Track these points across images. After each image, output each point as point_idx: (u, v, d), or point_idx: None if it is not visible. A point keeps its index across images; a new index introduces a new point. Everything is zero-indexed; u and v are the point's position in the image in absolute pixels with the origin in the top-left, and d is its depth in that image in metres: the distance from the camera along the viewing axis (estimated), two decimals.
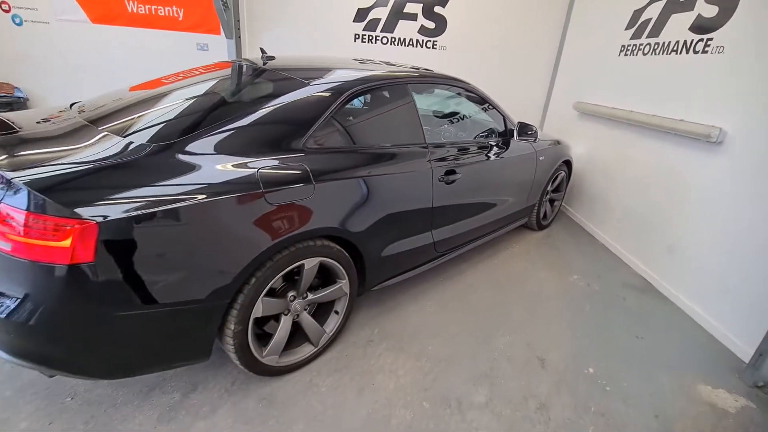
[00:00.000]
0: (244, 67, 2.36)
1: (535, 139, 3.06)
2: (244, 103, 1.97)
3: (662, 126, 3.04)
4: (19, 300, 1.24)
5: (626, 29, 3.72)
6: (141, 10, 4.91)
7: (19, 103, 4.94)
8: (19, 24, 4.87)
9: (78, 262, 1.20)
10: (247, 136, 1.65)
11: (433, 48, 5.11)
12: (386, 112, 2.23)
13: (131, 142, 1.50)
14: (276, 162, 1.64)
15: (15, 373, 1.76)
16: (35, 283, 1.23)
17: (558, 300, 2.78)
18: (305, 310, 1.89)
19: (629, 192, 3.54)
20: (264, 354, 1.75)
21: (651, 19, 3.40)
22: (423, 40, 5.08)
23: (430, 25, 5.00)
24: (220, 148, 1.56)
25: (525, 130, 3.00)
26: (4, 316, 1.23)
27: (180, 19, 5.00)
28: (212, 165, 1.50)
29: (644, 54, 3.45)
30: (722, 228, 2.58)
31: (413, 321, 2.39)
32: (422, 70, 2.66)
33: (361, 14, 4.94)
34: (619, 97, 3.70)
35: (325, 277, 1.96)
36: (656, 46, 3.30)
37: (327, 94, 1.89)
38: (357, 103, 2.07)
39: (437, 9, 4.93)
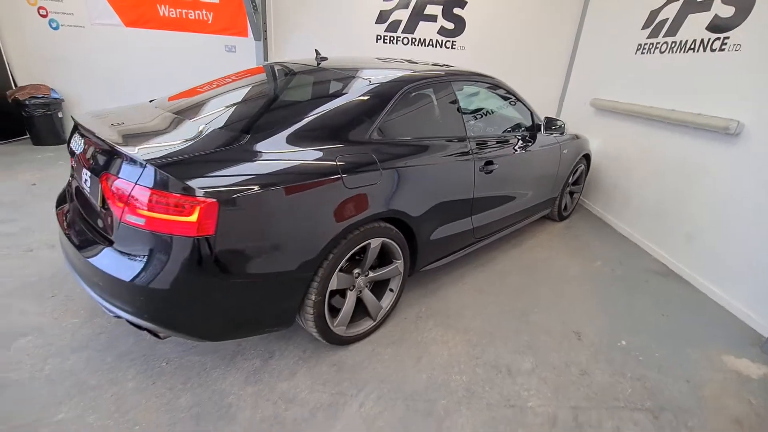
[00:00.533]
0: (301, 67, 2.55)
1: (562, 133, 3.24)
2: (319, 99, 2.17)
3: (682, 120, 3.23)
4: (150, 268, 1.43)
5: (643, 29, 3.91)
6: (172, 14, 5.12)
7: (55, 104, 5.15)
8: (56, 28, 5.09)
9: (201, 235, 1.40)
10: (326, 128, 1.85)
11: (452, 48, 5.31)
12: (435, 106, 2.43)
13: (233, 132, 1.71)
14: (350, 151, 1.83)
15: (112, 343, 1.96)
16: (165, 253, 1.42)
17: (585, 283, 2.97)
18: (366, 286, 2.09)
19: (647, 183, 3.73)
20: (335, 324, 1.94)
21: (668, 19, 3.59)
22: (443, 41, 5.28)
23: (450, 25, 5.20)
24: (305, 139, 1.76)
25: (552, 124, 3.20)
26: (137, 281, 1.43)
27: (209, 22, 5.21)
28: (301, 153, 1.70)
29: (661, 52, 3.65)
30: (738, 214, 2.77)
31: (455, 301, 2.59)
32: (444, 66, 2.83)
33: (383, 16, 5.14)
34: (637, 94, 3.89)
35: (382, 257, 2.16)
36: (673, 44, 3.49)
37: (386, 91, 2.08)
38: (410, 98, 2.27)
39: (456, 10, 5.13)
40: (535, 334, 2.35)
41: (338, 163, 1.75)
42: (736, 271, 2.78)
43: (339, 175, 1.73)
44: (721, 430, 1.82)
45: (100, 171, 1.56)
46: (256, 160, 1.60)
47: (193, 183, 1.39)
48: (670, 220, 3.39)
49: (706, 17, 3.16)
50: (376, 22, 5.20)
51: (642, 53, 3.91)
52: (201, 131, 1.73)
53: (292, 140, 1.74)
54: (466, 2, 5.09)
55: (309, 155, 1.72)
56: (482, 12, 5.14)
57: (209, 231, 1.40)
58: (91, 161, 1.67)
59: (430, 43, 5.30)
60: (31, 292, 2.28)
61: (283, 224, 1.59)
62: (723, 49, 2.99)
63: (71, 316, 2.12)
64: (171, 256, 1.42)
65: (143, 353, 1.92)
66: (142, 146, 1.57)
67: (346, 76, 2.28)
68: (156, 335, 1.61)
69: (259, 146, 1.65)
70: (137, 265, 1.44)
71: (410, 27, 5.22)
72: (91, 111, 2.05)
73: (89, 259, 1.56)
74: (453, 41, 5.29)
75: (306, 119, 1.84)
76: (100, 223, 1.64)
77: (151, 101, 2.29)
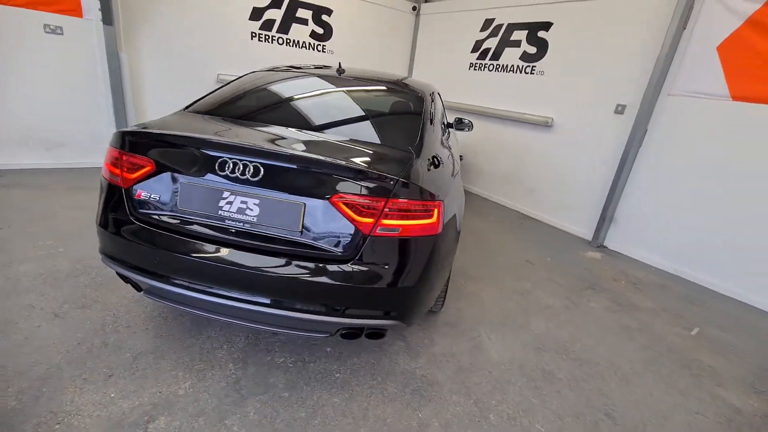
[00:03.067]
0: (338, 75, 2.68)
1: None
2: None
3: (515, 117, 4.99)
4: (402, 270, 1.63)
5: (472, 52, 5.56)
6: None
7: None
8: None
9: (438, 232, 1.71)
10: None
11: (323, 51, 5.71)
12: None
13: (403, 141, 1.98)
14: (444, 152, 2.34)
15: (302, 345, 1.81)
16: (414, 254, 1.64)
17: (488, 231, 4.34)
18: None
19: (496, 160, 5.47)
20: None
21: (491, 48, 5.31)
22: (314, 44, 5.60)
23: (320, 30, 5.57)
24: (438, 141, 2.21)
25: None
26: (399, 284, 1.60)
27: None
28: (445, 152, 2.14)
29: (489, 71, 5.37)
30: (557, 171, 4.70)
31: None
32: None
33: (257, 13, 5.01)
34: (474, 98, 5.54)
35: None
36: (498, 66, 5.24)
37: (424, 97, 2.59)
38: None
39: (324, 17, 5.55)
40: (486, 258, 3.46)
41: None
42: (564, 206, 4.73)
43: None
44: (589, 279, 3.44)
45: (327, 193, 1.55)
46: (433, 169, 1.92)
47: (431, 189, 1.68)
48: (518, 183, 5.20)
49: (518, 51, 4.97)
50: (250, 19, 4.99)
51: (475, 70, 5.57)
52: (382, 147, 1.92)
53: (439, 145, 2.15)
54: (332, 10, 5.58)
55: (446, 152, 2.17)
56: (345, 21, 5.74)
57: (439, 229, 1.73)
58: (296, 188, 1.59)
59: (304, 45, 5.52)
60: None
61: (455, 220, 2.01)
62: (533, 73, 4.84)
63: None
64: (418, 256, 1.67)
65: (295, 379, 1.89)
66: (365, 163, 1.66)
67: (414, 90, 2.63)
68: (380, 336, 1.76)
69: (424, 151, 1.96)
70: (389, 271, 1.61)
71: (284, 27, 5.28)
72: (145, 128, 1.75)
73: (322, 280, 1.56)
74: (323, 45, 5.69)
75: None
76: (323, 243, 1.60)
77: (187, 108, 2.03)
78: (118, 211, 1.74)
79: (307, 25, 5.44)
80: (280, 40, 5.31)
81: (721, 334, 2.77)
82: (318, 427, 1.64)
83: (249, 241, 1.63)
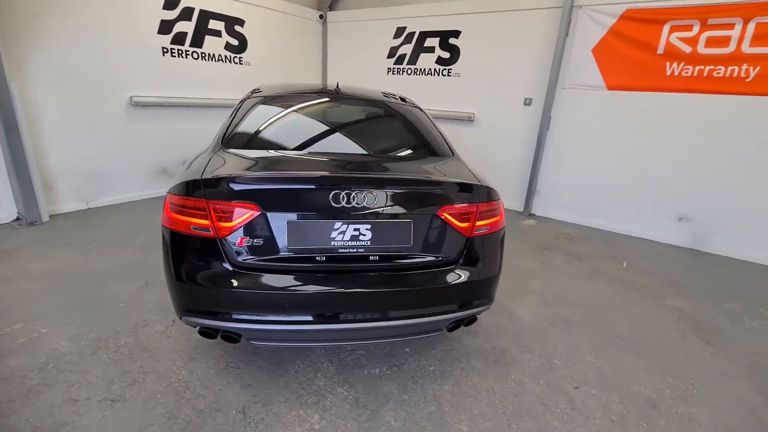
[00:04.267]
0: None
1: None
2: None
3: (442, 115, 5.58)
4: (492, 262, 1.93)
5: (388, 58, 5.98)
6: None
7: None
8: None
9: (504, 226, 2.06)
10: None
11: (240, 63, 5.43)
12: None
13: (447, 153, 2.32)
14: None
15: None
16: (494, 247, 1.94)
17: None
18: None
19: None
20: None
21: (406, 54, 5.80)
22: (231, 56, 5.29)
23: (234, 41, 5.28)
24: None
25: None
26: (496, 274, 1.91)
27: None
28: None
29: (408, 74, 5.87)
30: (486, 158, 5.48)
31: None
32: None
33: (166, 26, 4.52)
34: None
35: None
36: (417, 71, 5.77)
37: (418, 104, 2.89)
38: None
39: (237, 28, 5.28)
40: None
41: None
42: (496, 186, 5.53)
43: None
44: (527, 239, 4.28)
45: (434, 207, 1.75)
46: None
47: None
48: None
49: (433, 56, 5.57)
50: (159, 33, 4.46)
51: (393, 74, 6.01)
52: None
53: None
54: (245, 21, 5.32)
55: None
56: (259, 31, 5.54)
57: (504, 221, 2.08)
58: (403, 207, 1.74)
59: (220, 58, 5.16)
60: None
61: None
62: (450, 75, 5.50)
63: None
64: (497, 247, 1.99)
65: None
66: (451, 175, 1.92)
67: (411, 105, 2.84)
68: (475, 321, 2.03)
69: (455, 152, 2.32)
70: (486, 265, 1.90)
71: (197, 41, 4.86)
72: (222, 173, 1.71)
73: (438, 285, 1.77)
74: (240, 57, 5.40)
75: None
76: (433, 252, 1.79)
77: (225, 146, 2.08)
78: (213, 262, 1.64)
79: (220, 36, 5.10)
80: (195, 54, 4.88)
81: (641, 263, 3.79)
82: (451, 413, 1.86)
83: (364, 264, 1.74)
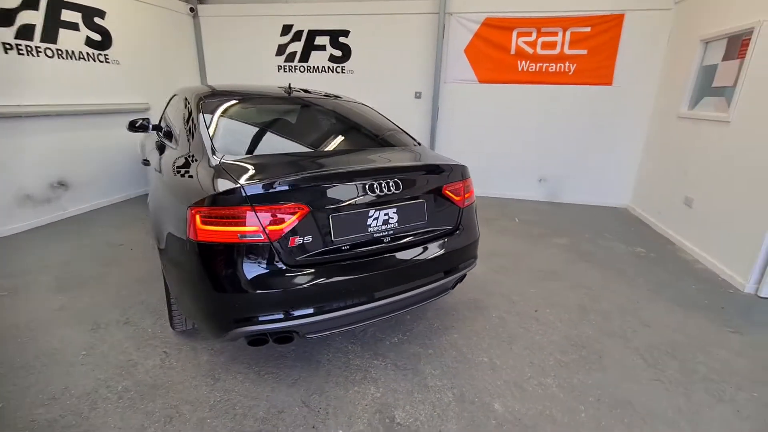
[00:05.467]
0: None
1: None
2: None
3: None
4: (475, 227, 2.39)
5: (278, 55, 5.91)
6: None
7: None
8: None
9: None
10: None
11: (106, 62, 4.64)
12: None
13: (417, 141, 2.57)
14: None
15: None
16: (474, 213, 2.42)
17: None
18: None
19: None
20: None
21: (297, 51, 5.84)
22: (94, 54, 4.48)
23: (96, 37, 4.48)
24: None
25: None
26: (478, 237, 2.38)
27: None
28: None
29: (301, 72, 5.92)
30: None
31: None
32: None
33: (5, 17, 3.60)
34: None
35: None
36: (309, 68, 5.87)
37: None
38: None
39: (97, 20, 4.48)
40: None
41: None
42: None
43: None
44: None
45: (440, 186, 2.09)
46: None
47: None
48: None
49: (325, 54, 5.76)
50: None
51: (285, 72, 5.97)
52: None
53: None
54: (105, 12, 4.53)
55: None
56: (120, 26, 4.78)
57: None
58: (416, 190, 2.02)
59: (81, 55, 4.29)
60: None
61: None
62: (344, 72, 5.79)
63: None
64: (475, 215, 2.47)
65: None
66: (445, 159, 2.26)
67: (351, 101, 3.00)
68: (463, 279, 2.46)
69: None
70: (473, 230, 2.36)
71: (51, 36, 3.95)
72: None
73: (447, 250, 2.15)
74: (105, 54, 4.58)
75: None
76: (440, 224, 2.15)
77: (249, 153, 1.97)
78: (269, 265, 1.67)
79: (78, 30, 4.25)
80: (49, 51, 3.98)
81: (527, 217, 4.89)
82: (470, 352, 2.29)
83: (394, 243, 1.99)
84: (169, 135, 2.61)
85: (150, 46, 5.22)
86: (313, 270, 1.76)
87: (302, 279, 1.73)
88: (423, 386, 2.01)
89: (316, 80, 5.89)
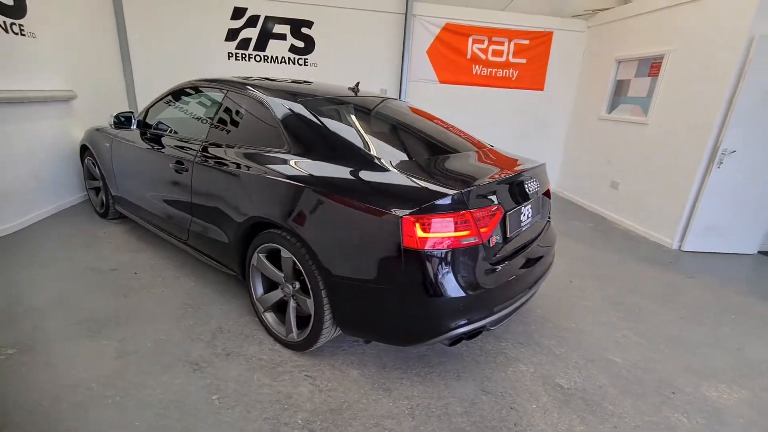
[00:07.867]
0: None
1: None
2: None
3: None
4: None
5: (227, 41, 5.27)
6: None
7: None
8: None
9: None
10: None
11: (21, 34, 3.52)
12: None
13: None
14: None
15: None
16: None
17: None
18: None
19: None
20: None
21: (252, 38, 5.31)
22: (7, 22, 3.35)
23: (9, 1, 3.36)
24: None
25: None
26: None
27: None
28: None
29: (257, 61, 5.42)
30: None
31: None
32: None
33: None
34: None
35: None
36: (267, 58, 5.41)
37: None
38: None
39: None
40: None
41: None
42: None
43: None
44: None
45: (544, 187, 2.38)
46: None
47: None
48: None
49: (285, 44, 5.39)
50: None
51: (236, 59, 5.37)
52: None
53: None
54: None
55: None
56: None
57: None
58: (535, 189, 2.26)
59: None
60: None
61: None
62: (307, 65, 5.52)
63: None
64: None
65: None
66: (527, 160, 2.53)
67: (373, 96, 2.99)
68: None
69: None
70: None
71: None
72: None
73: (550, 235, 2.49)
74: (20, 23, 3.45)
75: None
76: (547, 213, 2.49)
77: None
78: (482, 266, 1.75)
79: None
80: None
81: None
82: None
83: (534, 236, 2.24)
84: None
85: (64, 20, 4.09)
86: (505, 265, 1.89)
87: (501, 275, 1.85)
88: (554, 355, 2.33)
89: (276, 71, 5.47)
